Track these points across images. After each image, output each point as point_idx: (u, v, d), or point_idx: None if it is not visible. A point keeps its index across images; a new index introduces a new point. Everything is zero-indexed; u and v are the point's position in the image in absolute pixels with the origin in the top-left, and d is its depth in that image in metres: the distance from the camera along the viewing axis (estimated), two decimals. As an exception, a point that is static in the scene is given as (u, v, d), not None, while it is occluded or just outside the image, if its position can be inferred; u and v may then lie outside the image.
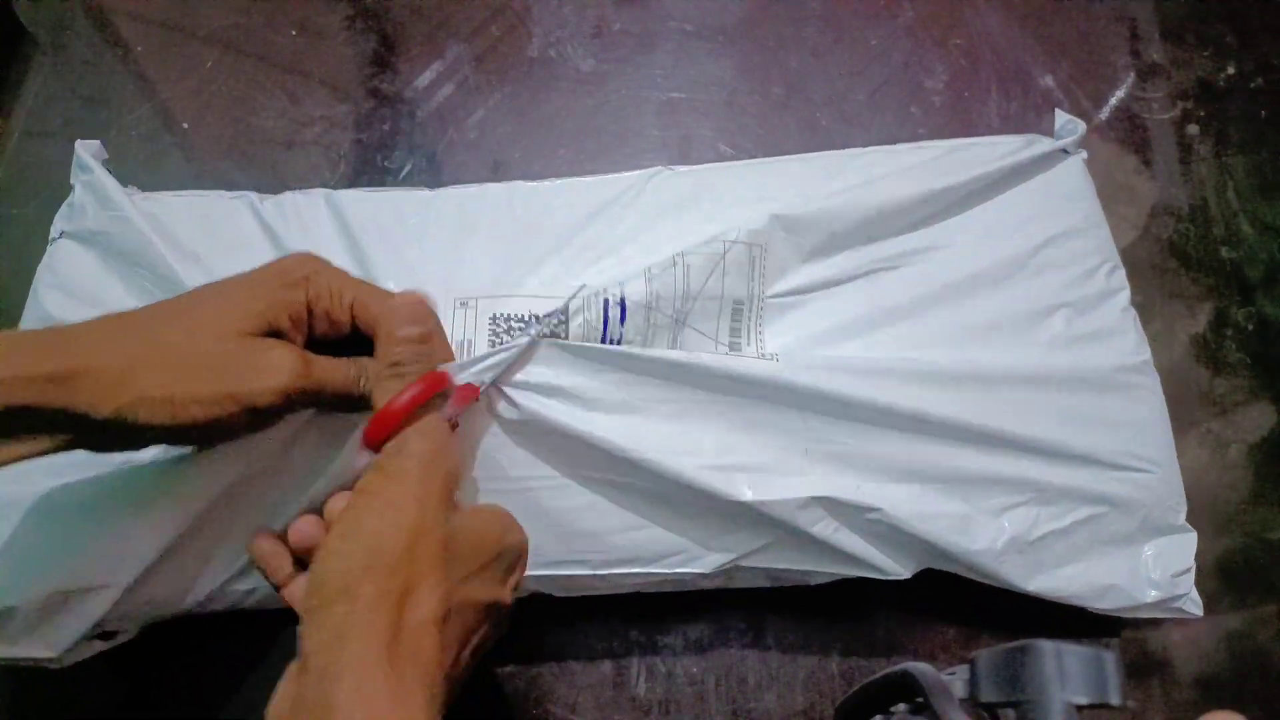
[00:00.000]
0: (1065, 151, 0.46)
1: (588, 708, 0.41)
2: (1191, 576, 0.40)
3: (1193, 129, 0.54)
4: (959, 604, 0.43)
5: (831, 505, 0.39)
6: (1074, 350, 0.43)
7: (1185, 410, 0.47)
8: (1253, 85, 0.54)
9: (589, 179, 0.45)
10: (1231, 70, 0.55)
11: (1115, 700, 0.24)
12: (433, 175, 0.52)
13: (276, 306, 0.33)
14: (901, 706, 0.29)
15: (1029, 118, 0.54)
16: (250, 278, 0.34)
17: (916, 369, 0.41)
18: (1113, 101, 0.55)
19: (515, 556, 0.32)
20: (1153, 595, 0.40)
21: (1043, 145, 0.46)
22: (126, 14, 0.57)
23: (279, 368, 0.32)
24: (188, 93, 0.54)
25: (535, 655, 0.42)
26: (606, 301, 0.39)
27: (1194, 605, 0.40)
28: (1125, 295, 0.44)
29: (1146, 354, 0.43)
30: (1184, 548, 0.41)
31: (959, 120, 0.54)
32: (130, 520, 0.38)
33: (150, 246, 0.42)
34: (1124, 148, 0.53)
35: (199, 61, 0.55)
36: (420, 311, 0.34)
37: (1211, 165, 0.52)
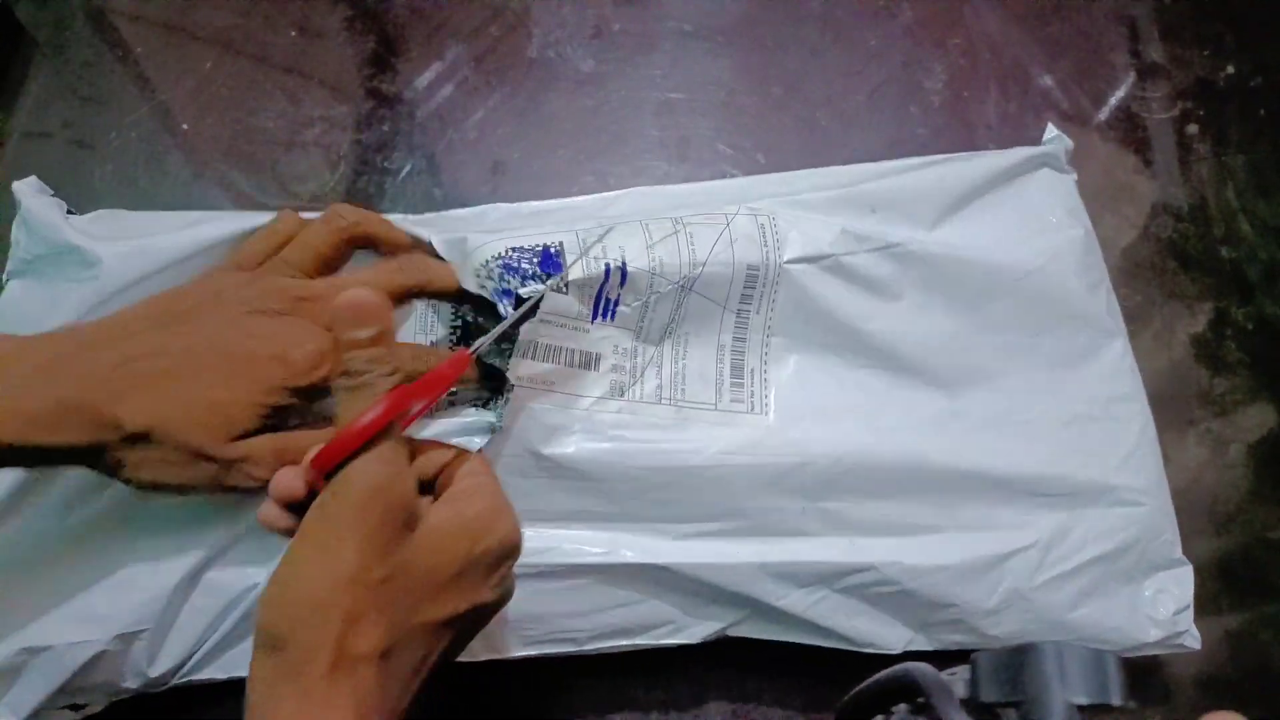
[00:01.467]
0: (1056, 168, 0.46)
1: (588, 708, 0.41)
2: (1191, 612, 0.40)
3: (1192, 128, 0.54)
4: (959, 604, 0.43)
5: (822, 571, 0.38)
6: (1064, 380, 0.42)
7: (1185, 410, 0.47)
8: (1252, 85, 0.54)
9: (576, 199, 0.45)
10: (1231, 70, 0.55)
11: (1116, 700, 0.24)
12: (432, 176, 0.52)
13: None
14: (902, 706, 0.29)
15: (1028, 118, 0.54)
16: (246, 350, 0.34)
17: (909, 406, 0.41)
18: (1112, 101, 0.55)
19: (499, 555, 0.31)
20: (1154, 635, 0.40)
21: (1031, 155, 0.46)
22: (126, 15, 0.57)
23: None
24: (187, 94, 0.54)
25: (535, 655, 0.42)
26: (608, 266, 0.38)
27: (1193, 640, 0.40)
28: (1119, 323, 0.44)
29: (1138, 383, 0.43)
30: (1183, 582, 0.41)
31: (958, 120, 0.54)
32: (102, 578, 0.37)
33: (75, 241, 0.41)
34: (1123, 147, 0.53)
35: (199, 62, 0.55)
36: (368, 309, 0.30)
37: (1211, 165, 0.53)
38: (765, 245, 0.41)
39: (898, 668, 0.28)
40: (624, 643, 0.39)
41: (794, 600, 0.39)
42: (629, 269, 0.38)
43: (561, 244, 0.38)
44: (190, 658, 0.38)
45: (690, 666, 0.42)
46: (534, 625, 0.39)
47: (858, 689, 0.33)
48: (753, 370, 0.42)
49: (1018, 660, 0.25)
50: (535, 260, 0.38)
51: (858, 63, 0.55)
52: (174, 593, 0.37)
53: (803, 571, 0.39)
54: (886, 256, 0.43)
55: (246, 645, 0.37)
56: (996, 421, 0.42)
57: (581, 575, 0.39)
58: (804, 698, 0.41)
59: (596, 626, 0.39)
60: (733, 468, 0.39)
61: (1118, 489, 0.41)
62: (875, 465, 0.40)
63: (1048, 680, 0.24)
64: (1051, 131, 0.48)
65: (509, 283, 0.37)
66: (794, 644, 0.41)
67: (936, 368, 0.42)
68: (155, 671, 0.37)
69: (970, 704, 0.26)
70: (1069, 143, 0.47)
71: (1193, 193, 0.52)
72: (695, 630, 0.39)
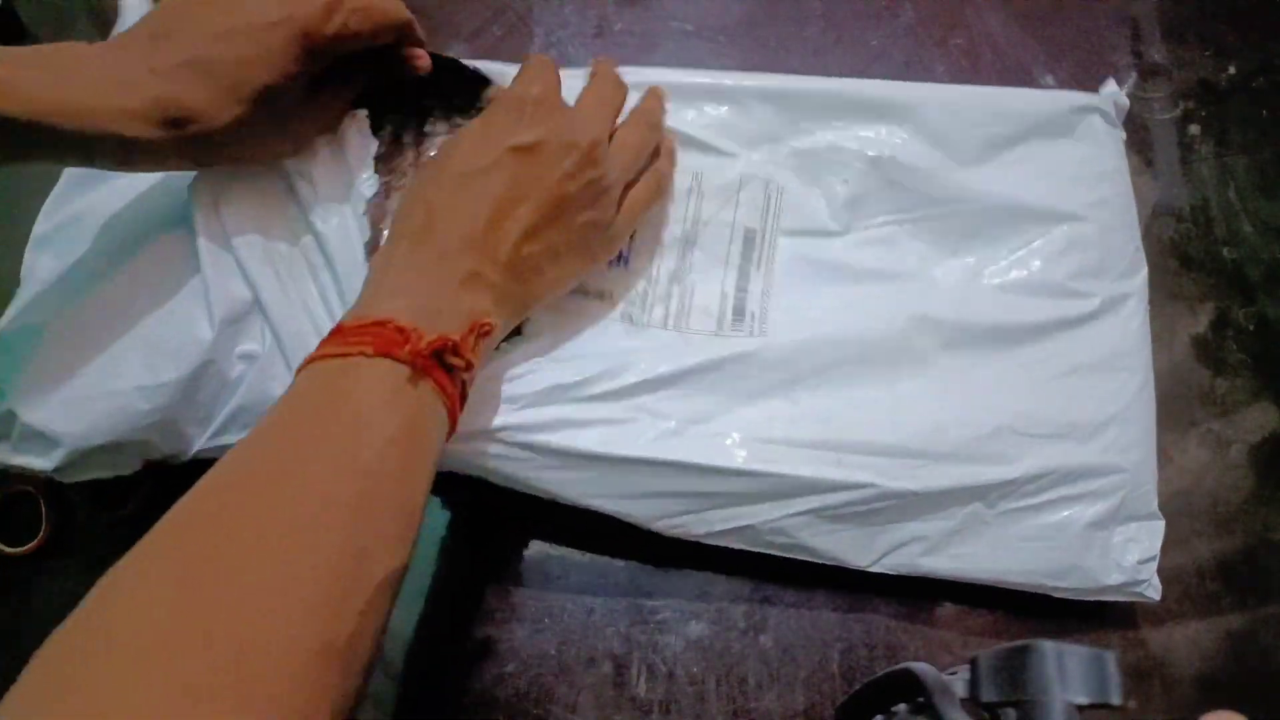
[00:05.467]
0: (1107, 121, 0.47)
1: (588, 708, 0.41)
2: (1155, 564, 0.41)
3: (1194, 129, 0.54)
4: (959, 604, 0.43)
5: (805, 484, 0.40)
6: (1076, 328, 0.43)
7: (1185, 410, 0.47)
8: (1254, 85, 0.54)
9: None
10: (1233, 70, 0.55)
11: (1116, 700, 0.24)
12: (434, 175, 0.52)
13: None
14: (902, 706, 0.29)
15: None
16: None
17: (910, 341, 0.43)
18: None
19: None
20: (1116, 578, 0.40)
21: (1084, 103, 0.46)
22: (128, 14, 0.57)
23: None
24: (189, 93, 0.54)
25: (535, 655, 0.42)
26: None
27: (1154, 591, 0.41)
28: (1142, 279, 0.45)
29: (1147, 344, 0.44)
30: (1153, 535, 0.41)
31: (960, 120, 0.54)
32: (143, 331, 0.40)
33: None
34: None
35: (200, 61, 0.55)
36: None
37: (1213, 165, 0.52)
38: (767, 214, 0.45)
39: (898, 667, 0.29)
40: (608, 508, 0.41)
41: (765, 510, 0.40)
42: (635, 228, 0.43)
43: None
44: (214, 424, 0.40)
45: (690, 666, 0.42)
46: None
47: (858, 688, 0.33)
48: (753, 313, 0.44)
49: (1018, 660, 0.25)
50: None
51: (860, 62, 0.55)
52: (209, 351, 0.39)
53: (785, 485, 0.40)
54: (894, 226, 0.45)
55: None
56: (999, 358, 0.43)
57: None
58: (804, 697, 0.41)
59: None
60: (725, 371, 0.41)
61: (1107, 437, 0.42)
62: (870, 378, 0.42)
63: (1048, 680, 0.24)
64: (1109, 85, 0.47)
65: None
66: (793, 644, 0.41)
67: (943, 310, 0.43)
68: (195, 440, 0.40)
69: (970, 704, 0.26)
70: (1124, 100, 0.47)
71: (1194, 193, 0.52)
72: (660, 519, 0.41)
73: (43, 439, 0.38)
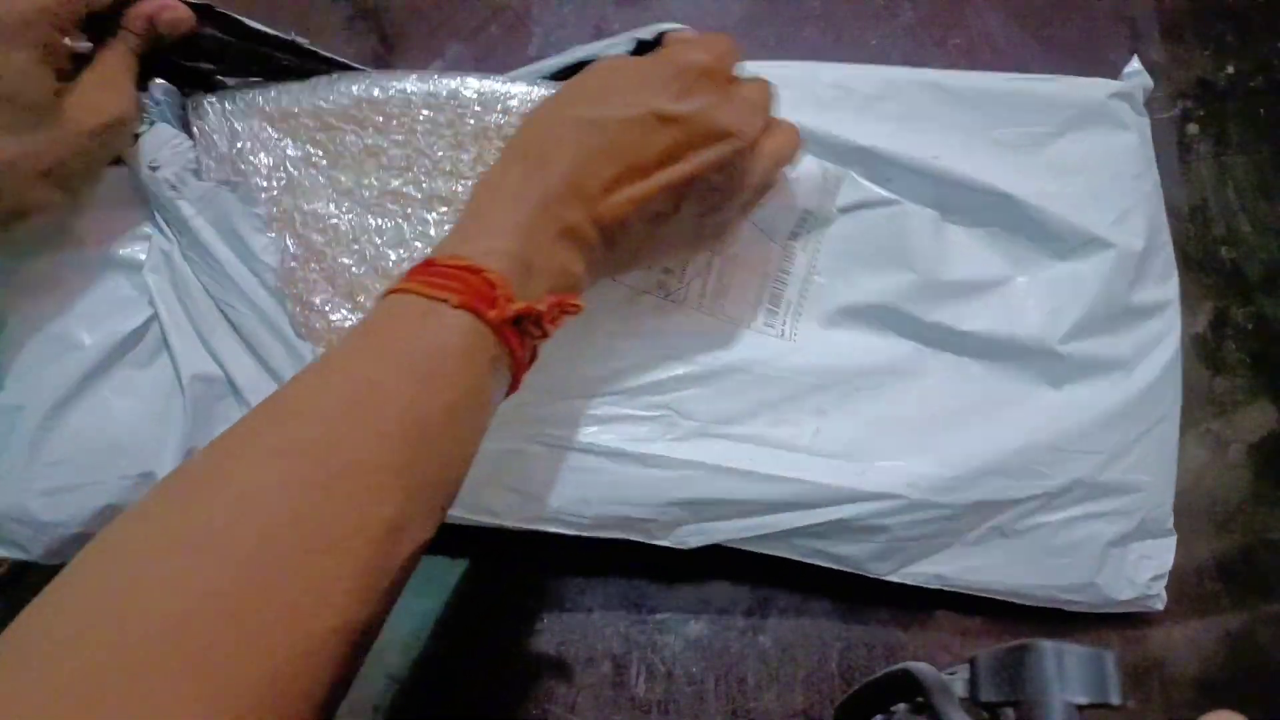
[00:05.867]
0: (1135, 109, 0.44)
1: (588, 708, 0.41)
2: (1166, 579, 0.41)
3: (1192, 128, 0.53)
4: (959, 604, 0.43)
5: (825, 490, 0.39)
6: (1102, 338, 0.42)
7: (1186, 410, 0.47)
8: (1252, 84, 0.54)
9: None
10: (1231, 70, 0.55)
11: (1115, 700, 0.24)
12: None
13: None
14: (901, 706, 0.29)
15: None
16: None
17: (949, 362, 0.42)
18: (1113, 101, 0.55)
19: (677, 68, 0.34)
20: (1128, 594, 0.41)
21: (1117, 90, 0.44)
22: (126, 14, 0.57)
23: None
24: (188, 93, 0.54)
25: (535, 655, 0.42)
26: None
27: (1160, 603, 0.42)
28: (1174, 287, 0.44)
29: (1178, 359, 0.43)
30: (1166, 551, 0.42)
31: (959, 120, 0.54)
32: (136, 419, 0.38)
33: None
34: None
35: (199, 62, 0.55)
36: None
37: (1211, 165, 0.52)
38: (824, 191, 0.42)
39: (897, 667, 0.29)
40: (618, 535, 0.40)
41: (790, 518, 0.39)
42: None
43: None
44: None
45: (690, 666, 0.42)
46: (532, 504, 0.39)
47: (857, 688, 0.33)
48: (789, 302, 0.42)
49: (1017, 660, 0.25)
50: None
51: (859, 63, 0.55)
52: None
53: (809, 493, 0.39)
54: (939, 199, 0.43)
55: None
56: (1032, 375, 0.42)
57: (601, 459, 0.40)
58: (803, 697, 0.41)
59: (600, 516, 0.40)
60: (754, 374, 0.40)
61: (1133, 455, 0.41)
62: (899, 390, 0.41)
63: (1047, 680, 0.24)
64: (1134, 64, 0.45)
65: None
66: (793, 644, 0.41)
67: (981, 324, 0.42)
68: None
69: (970, 704, 0.26)
70: (1149, 81, 0.45)
71: (1193, 193, 0.52)
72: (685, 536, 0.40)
73: (25, 528, 0.37)
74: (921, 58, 0.55)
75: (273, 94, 0.42)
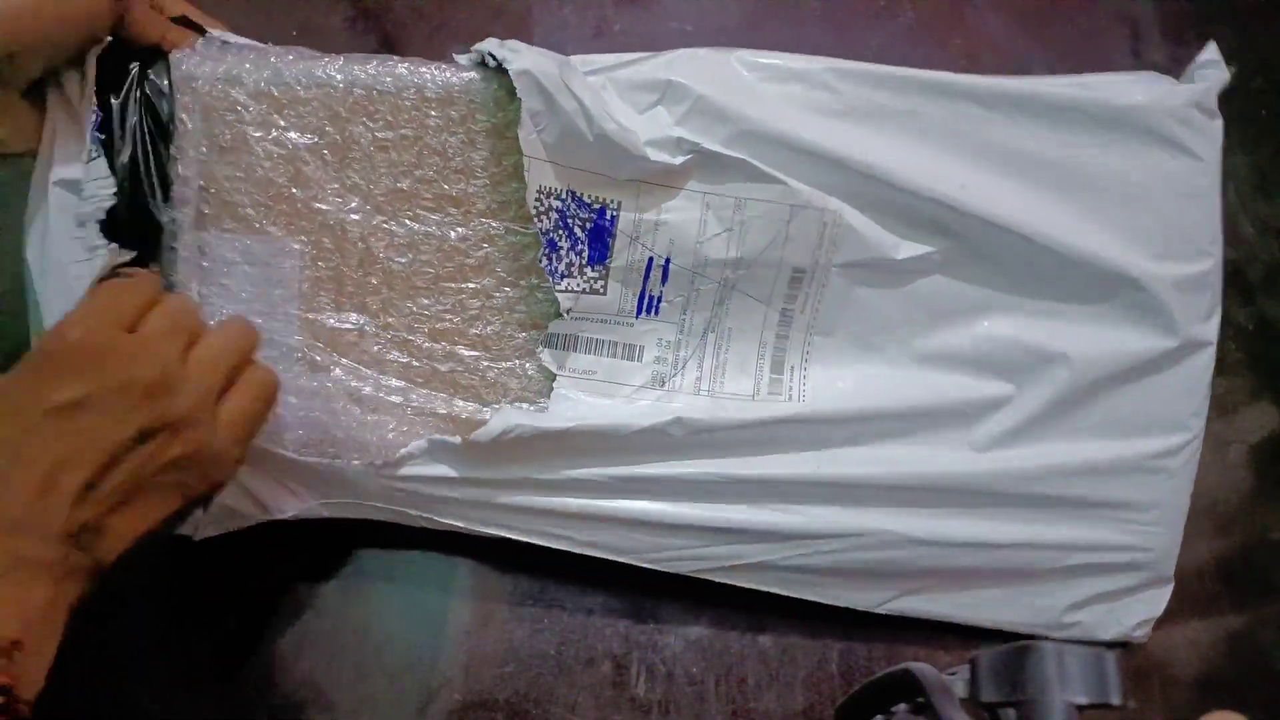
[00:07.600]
0: (1208, 113, 0.39)
1: (588, 708, 0.41)
2: (1153, 622, 0.42)
3: (1193, 129, 0.53)
4: (959, 604, 0.43)
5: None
6: (1127, 389, 0.40)
7: (1185, 410, 0.47)
8: (1253, 85, 0.54)
9: None
10: (1232, 70, 0.55)
11: (1115, 700, 0.24)
12: (433, 176, 0.52)
13: None
14: (902, 706, 0.29)
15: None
16: None
17: (958, 410, 0.41)
18: (1113, 102, 0.55)
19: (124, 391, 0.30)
20: (1113, 633, 0.41)
21: (1187, 97, 0.39)
22: (127, 14, 0.57)
23: None
24: (188, 93, 0.54)
25: (535, 655, 0.42)
26: (650, 260, 0.39)
27: (1141, 640, 0.42)
28: (1215, 327, 0.41)
29: (1201, 420, 0.41)
30: (1160, 599, 0.42)
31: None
32: None
33: None
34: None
35: (200, 62, 0.55)
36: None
37: (1212, 165, 0.52)
38: (820, 247, 0.39)
39: (897, 667, 0.29)
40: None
41: (780, 549, 0.40)
42: (671, 267, 0.39)
43: (619, 205, 0.38)
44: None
45: (690, 666, 0.42)
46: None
47: (857, 689, 0.33)
48: (793, 367, 0.41)
49: (1017, 660, 0.25)
50: (588, 227, 0.38)
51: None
52: None
53: (804, 526, 0.40)
54: (958, 253, 0.40)
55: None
56: (1048, 427, 0.40)
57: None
58: (804, 698, 0.41)
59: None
60: (758, 433, 0.40)
61: (1146, 517, 0.41)
62: (905, 442, 0.41)
63: (1047, 680, 0.24)
64: (1210, 51, 0.40)
65: (558, 236, 0.38)
66: (793, 644, 0.41)
67: (992, 373, 0.41)
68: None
69: (970, 704, 0.26)
70: (1225, 74, 0.40)
71: (1193, 193, 0.52)
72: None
73: None
74: (922, 58, 0.55)
75: (270, 73, 0.38)
